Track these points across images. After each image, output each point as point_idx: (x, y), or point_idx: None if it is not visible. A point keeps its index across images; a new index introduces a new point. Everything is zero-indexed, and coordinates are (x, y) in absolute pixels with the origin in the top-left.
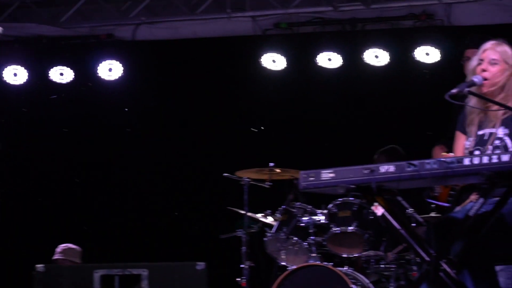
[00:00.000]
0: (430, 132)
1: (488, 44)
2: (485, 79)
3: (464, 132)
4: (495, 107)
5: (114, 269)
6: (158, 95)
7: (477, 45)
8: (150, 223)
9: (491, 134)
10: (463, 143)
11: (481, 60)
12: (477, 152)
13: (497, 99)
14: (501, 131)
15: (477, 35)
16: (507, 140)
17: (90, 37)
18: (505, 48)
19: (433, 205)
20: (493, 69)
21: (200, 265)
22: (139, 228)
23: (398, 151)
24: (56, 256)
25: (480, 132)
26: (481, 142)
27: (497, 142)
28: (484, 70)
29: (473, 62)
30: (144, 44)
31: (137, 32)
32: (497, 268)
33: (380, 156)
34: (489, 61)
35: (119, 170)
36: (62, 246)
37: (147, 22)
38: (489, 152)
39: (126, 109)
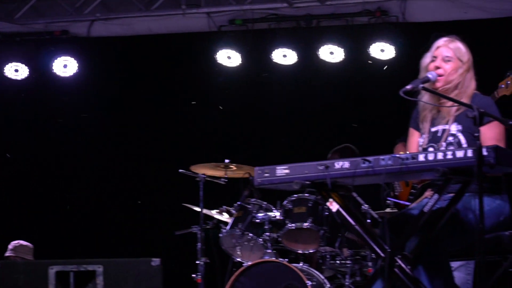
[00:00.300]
0: (386, 128)
1: (441, 41)
2: (440, 75)
3: (417, 129)
4: (449, 103)
5: (69, 265)
6: (114, 92)
7: None
8: (105, 219)
9: (444, 130)
10: (416, 139)
11: (435, 57)
12: (430, 149)
13: (451, 96)
14: (454, 128)
15: None
16: (461, 136)
17: (45, 34)
18: (458, 44)
19: (390, 203)
20: (447, 66)
21: (155, 261)
22: (94, 224)
23: (352, 149)
24: (7, 253)
25: (434, 129)
26: (434, 139)
27: (450, 138)
28: (437, 67)
29: (426, 59)
30: (99, 40)
31: (92, 29)
32: (457, 264)
33: (334, 154)
34: (443, 58)
35: (73, 166)
36: (14, 243)
37: (102, 18)
38: (442, 149)
39: (85, 115)
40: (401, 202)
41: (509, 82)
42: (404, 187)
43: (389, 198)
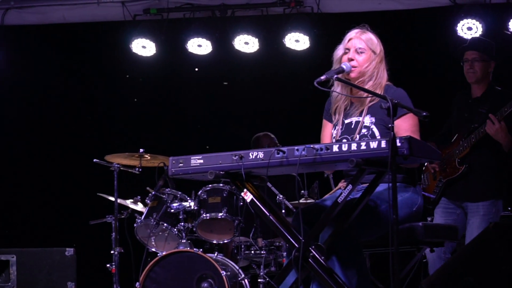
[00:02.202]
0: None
1: (353, 33)
2: (354, 67)
3: (330, 120)
4: (363, 94)
5: None
6: (28, 81)
7: (477, 47)
8: (19, 208)
9: (357, 122)
10: (330, 131)
11: (347, 49)
12: (344, 141)
13: (366, 87)
14: (367, 120)
15: (477, 38)
16: (374, 129)
17: None
18: (370, 35)
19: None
20: (360, 58)
21: (69, 251)
22: (7, 214)
23: (271, 137)
24: None
25: (347, 121)
26: (348, 131)
27: (364, 131)
28: (351, 59)
29: (339, 51)
30: (13, 29)
31: (6, 17)
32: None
33: (255, 141)
34: (356, 50)
35: None
36: None
37: (16, 6)
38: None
39: None
40: (427, 194)
41: None
42: (432, 180)
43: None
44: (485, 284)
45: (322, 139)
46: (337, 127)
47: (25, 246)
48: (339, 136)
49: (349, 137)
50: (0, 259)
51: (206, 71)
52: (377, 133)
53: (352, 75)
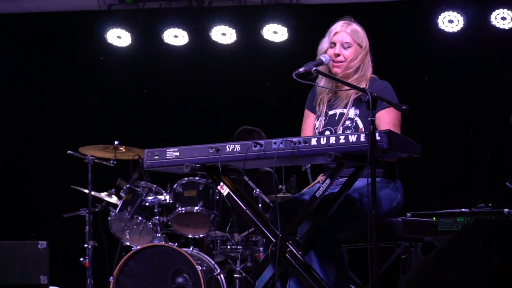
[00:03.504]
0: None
1: (338, 26)
2: (340, 62)
3: (313, 111)
4: (345, 87)
5: None
6: (1, 70)
7: None
8: None
9: (342, 114)
10: (312, 122)
11: (333, 43)
12: (327, 133)
13: (351, 80)
14: (352, 112)
15: None
16: (358, 121)
17: None
18: (355, 27)
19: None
20: (347, 52)
21: (42, 244)
22: None
23: (258, 132)
24: None
25: (331, 112)
26: (331, 122)
27: (348, 122)
28: (337, 55)
29: (324, 44)
30: None
31: None
32: None
33: (241, 133)
34: (342, 44)
35: None
36: None
37: None
38: (339, 132)
39: None
40: None
41: None
42: None
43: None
44: (465, 280)
45: (303, 130)
46: (320, 118)
47: None
48: (322, 128)
49: (332, 129)
50: None
51: (182, 62)
52: (360, 125)
53: (338, 70)
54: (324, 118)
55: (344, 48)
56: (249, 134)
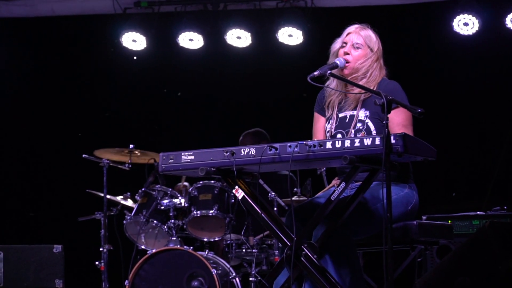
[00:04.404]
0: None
1: (352, 28)
2: (347, 62)
3: (323, 114)
4: (356, 90)
5: None
6: (18, 74)
7: None
8: (7, 204)
9: (352, 116)
10: (322, 125)
11: (345, 43)
12: (339, 135)
13: (360, 83)
14: (362, 114)
15: None
16: (370, 123)
17: None
18: (369, 32)
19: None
20: (356, 53)
21: (57, 248)
22: None
23: (263, 134)
24: None
25: (341, 115)
26: (342, 125)
27: (359, 125)
28: (347, 53)
29: (336, 44)
30: (2, 21)
31: None
32: None
33: (245, 137)
34: (353, 44)
35: None
36: None
37: None
38: (351, 135)
39: None
40: None
41: None
42: None
43: None
44: (480, 284)
45: (314, 133)
46: (331, 121)
47: (12, 242)
48: (334, 131)
49: (343, 131)
50: None
51: (197, 65)
52: (372, 127)
53: (346, 71)
54: (335, 121)
55: (354, 48)
56: (247, 136)
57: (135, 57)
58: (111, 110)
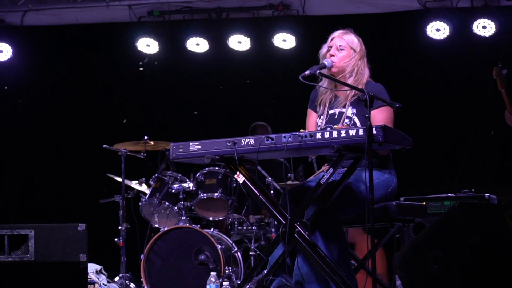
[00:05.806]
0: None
1: (336, 33)
2: (334, 62)
3: (315, 110)
4: (345, 88)
5: (3, 229)
6: (45, 76)
7: None
8: (37, 188)
9: (341, 113)
10: (314, 120)
11: (330, 47)
12: (328, 129)
13: (348, 82)
14: (350, 111)
15: None
16: (356, 119)
17: None
18: (351, 36)
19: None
20: (341, 54)
21: (81, 226)
22: (27, 193)
23: (267, 126)
24: None
25: (331, 111)
26: (332, 120)
27: (347, 120)
28: (332, 55)
29: (323, 49)
30: (31, 29)
31: (25, 18)
32: None
33: (257, 128)
34: (337, 47)
35: (4, 136)
36: None
37: (33, 9)
38: None
39: (6, 87)
40: None
41: None
42: None
43: None
44: (451, 256)
45: (307, 127)
46: (322, 117)
47: (42, 222)
48: (324, 125)
49: (332, 126)
50: (20, 233)
51: (203, 66)
52: (358, 123)
53: (334, 70)
54: (325, 117)
55: (339, 50)
56: (254, 129)
57: (145, 60)
58: (127, 105)
